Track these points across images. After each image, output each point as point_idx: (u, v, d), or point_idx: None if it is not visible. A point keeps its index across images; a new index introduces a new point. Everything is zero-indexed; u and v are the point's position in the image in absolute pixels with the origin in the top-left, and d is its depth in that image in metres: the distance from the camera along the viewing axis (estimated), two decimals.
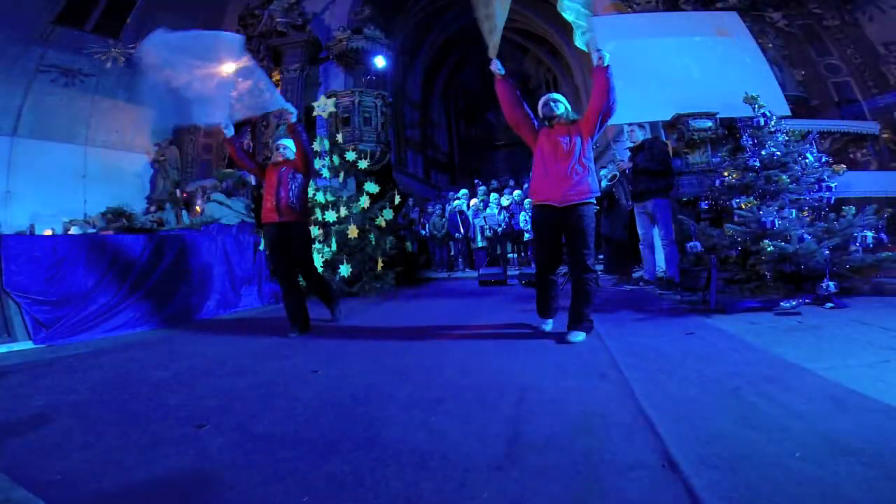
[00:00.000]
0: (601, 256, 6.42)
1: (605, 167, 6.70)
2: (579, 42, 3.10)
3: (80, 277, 3.72)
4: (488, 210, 9.36)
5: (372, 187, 6.50)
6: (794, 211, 3.69)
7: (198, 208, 8.61)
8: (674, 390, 1.67)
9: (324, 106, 7.16)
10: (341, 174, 6.59)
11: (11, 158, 8.27)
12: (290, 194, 3.31)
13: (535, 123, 2.80)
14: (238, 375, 2.29)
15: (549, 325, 2.91)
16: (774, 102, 5.05)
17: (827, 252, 3.30)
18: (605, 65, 2.52)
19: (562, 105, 2.77)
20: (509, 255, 9.35)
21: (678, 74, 6.25)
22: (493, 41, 2.67)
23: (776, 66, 7.23)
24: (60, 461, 1.35)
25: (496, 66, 2.69)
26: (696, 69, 6.31)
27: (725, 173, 4.29)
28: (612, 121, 6.50)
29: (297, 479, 1.18)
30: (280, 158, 3.46)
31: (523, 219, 8.74)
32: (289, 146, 3.50)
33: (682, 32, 6.75)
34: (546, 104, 2.78)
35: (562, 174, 2.60)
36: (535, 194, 2.77)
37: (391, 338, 3.06)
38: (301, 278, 3.60)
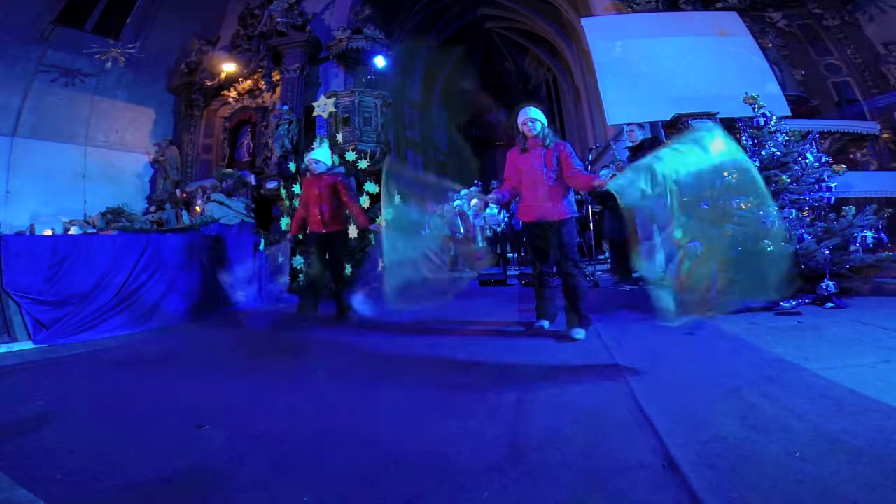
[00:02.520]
0: (606, 255, 6.41)
1: (605, 167, 6.69)
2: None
3: (80, 277, 3.71)
4: (488, 210, 9.34)
5: (372, 187, 6.48)
6: (794, 211, 3.68)
7: (198, 208, 8.60)
8: (674, 390, 1.67)
9: (324, 106, 7.15)
10: None
11: (11, 158, 8.27)
12: (333, 208, 3.76)
13: (515, 155, 2.83)
14: (238, 375, 2.29)
15: (545, 324, 2.94)
16: (774, 102, 5.06)
17: (827, 252, 3.29)
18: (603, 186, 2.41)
19: (539, 124, 2.75)
20: (509, 255, 9.33)
21: (678, 74, 6.25)
22: None
23: (776, 66, 7.23)
24: (60, 461, 1.35)
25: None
26: (696, 69, 6.32)
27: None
28: (613, 121, 6.54)
29: (297, 479, 1.18)
30: (315, 172, 3.79)
31: None
32: (320, 159, 3.82)
33: (683, 32, 6.75)
34: (524, 123, 2.76)
35: (541, 198, 2.73)
36: (520, 216, 2.95)
37: (391, 337, 3.06)
38: (332, 277, 3.94)
